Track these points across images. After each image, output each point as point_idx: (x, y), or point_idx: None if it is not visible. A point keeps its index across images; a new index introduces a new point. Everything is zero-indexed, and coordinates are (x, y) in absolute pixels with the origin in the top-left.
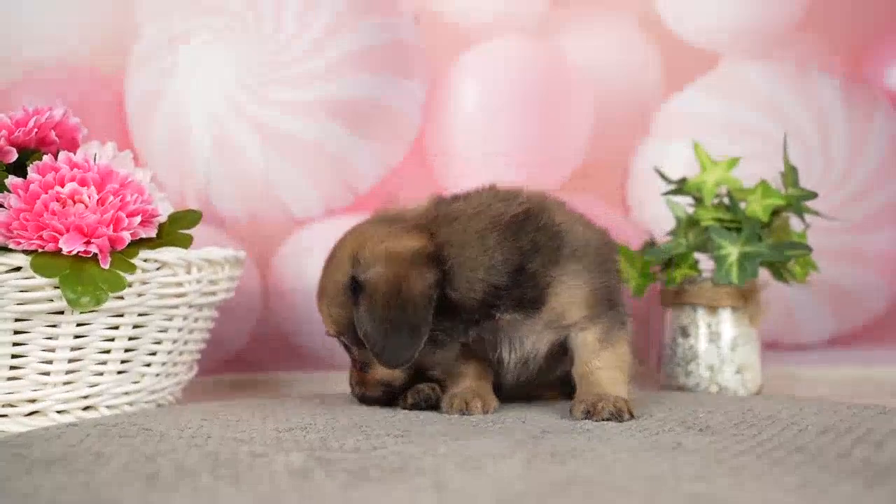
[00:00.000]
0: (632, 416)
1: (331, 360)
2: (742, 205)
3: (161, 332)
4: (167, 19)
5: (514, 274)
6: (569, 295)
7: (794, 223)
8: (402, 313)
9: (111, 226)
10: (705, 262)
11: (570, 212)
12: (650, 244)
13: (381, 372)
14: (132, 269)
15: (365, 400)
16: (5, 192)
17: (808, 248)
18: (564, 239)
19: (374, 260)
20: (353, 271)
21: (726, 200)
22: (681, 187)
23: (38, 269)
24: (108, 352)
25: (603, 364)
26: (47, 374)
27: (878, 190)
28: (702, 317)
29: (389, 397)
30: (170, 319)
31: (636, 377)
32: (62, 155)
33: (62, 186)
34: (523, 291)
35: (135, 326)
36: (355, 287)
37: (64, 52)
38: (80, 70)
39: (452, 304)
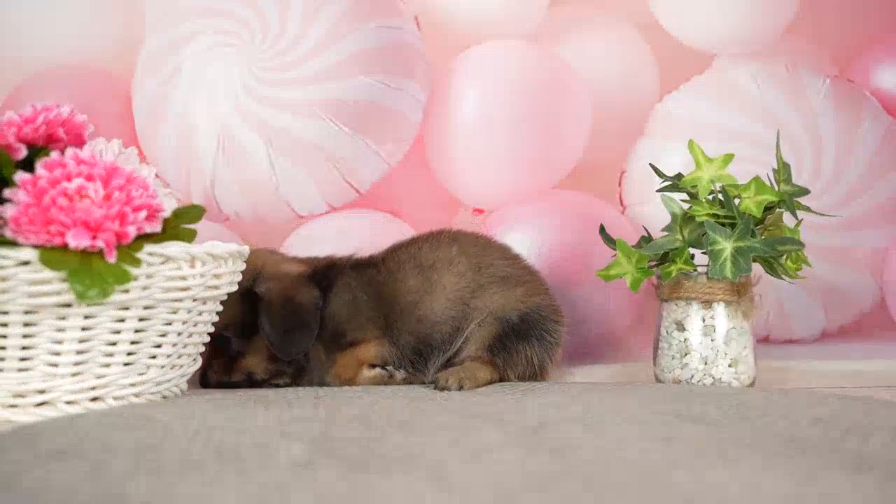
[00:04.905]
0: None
1: None
2: (736, 201)
3: (166, 324)
4: (172, 21)
5: None
6: None
7: (788, 219)
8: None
9: (117, 221)
10: (700, 258)
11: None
12: (646, 240)
13: (250, 362)
14: (138, 263)
15: (222, 385)
16: (14, 188)
17: (801, 244)
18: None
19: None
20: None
21: (721, 196)
22: (676, 183)
23: (47, 262)
24: (114, 344)
25: None
26: (56, 365)
27: (868, 190)
28: (696, 311)
29: (248, 384)
30: (175, 312)
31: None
32: (69, 151)
33: (69, 182)
34: None
35: (140, 319)
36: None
37: (72, 53)
38: (88, 71)
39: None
